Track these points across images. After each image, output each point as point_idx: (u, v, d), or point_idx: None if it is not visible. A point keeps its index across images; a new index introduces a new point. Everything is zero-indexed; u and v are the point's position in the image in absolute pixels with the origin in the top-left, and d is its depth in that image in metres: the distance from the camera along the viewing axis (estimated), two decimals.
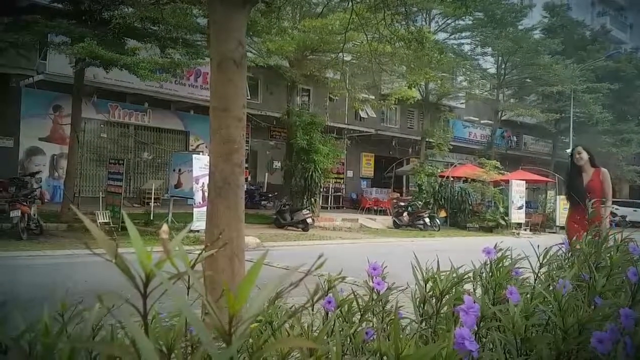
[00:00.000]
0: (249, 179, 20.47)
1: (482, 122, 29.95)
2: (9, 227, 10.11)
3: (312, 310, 1.33)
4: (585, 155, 5.57)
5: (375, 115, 24.46)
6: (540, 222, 21.76)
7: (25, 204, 10.25)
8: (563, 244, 1.90)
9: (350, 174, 25.38)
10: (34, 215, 10.50)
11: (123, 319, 0.62)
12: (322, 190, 19.16)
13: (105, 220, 11.80)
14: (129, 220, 0.54)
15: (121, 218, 11.81)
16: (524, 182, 21.46)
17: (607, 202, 5.35)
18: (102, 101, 17.00)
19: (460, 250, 4.31)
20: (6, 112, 15.11)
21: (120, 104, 17.71)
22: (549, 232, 20.48)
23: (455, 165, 23.76)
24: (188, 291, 0.98)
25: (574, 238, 5.54)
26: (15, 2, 13.49)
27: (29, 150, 16.14)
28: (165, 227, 0.51)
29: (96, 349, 0.71)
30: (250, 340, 1.05)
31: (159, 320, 0.91)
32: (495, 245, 1.62)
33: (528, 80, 27.35)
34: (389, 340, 0.93)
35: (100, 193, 13.93)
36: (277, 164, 22.41)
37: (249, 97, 17.80)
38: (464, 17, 20.54)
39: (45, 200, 14.68)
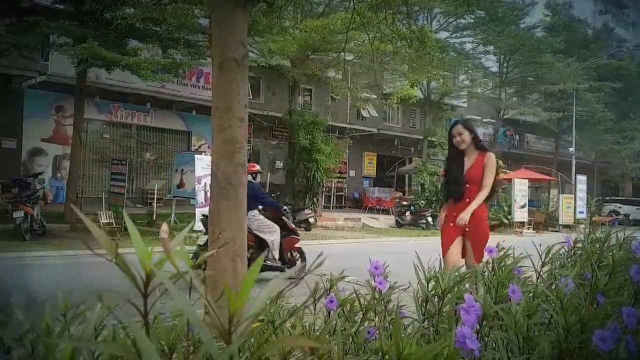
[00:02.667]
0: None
1: (484, 120, 29.88)
2: (12, 227, 10.13)
3: (315, 309, 1.33)
4: (467, 136, 4.28)
5: (377, 115, 24.44)
6: (543, 221, 21.71)
7: (28, 204, 10.28)
8: (566, 242, 1.90)
9: (352, 173, 25.37)
10: (37, 215, 10.53)
11: (124, 318, 0.62)
12: (324, 189, 19.17)
13: (108, 221, 11.83)
14: (129, 220, 0.54)
15: (124, 218, 11.82)
16: (527, 180, 21.43)
17: (483, 191, 4.14)
18: (104, 102, 17.02)
19: None
20: (9, 113, 15.15)
21: (123, 105, 17.74)
22: (552, 231, 20.44)
23: None
24: (190, 291, 0.98)
25: (449, 247, 4.18)
26: (17, 3, 13.52)
27: (31, 151, 16.17)
28: (165, 226, 0.51)
29: (98, 348, 0.72)
30: (252, 339, 1.05)
31: (160, 320, 0.91)
32: (498, 244, 1.62)
33: (530, 78, 27.30)
34: (390, 339, 0.93)
35: (103, 193, 13.96)
36: (279, 164, 22.42)
37: (251, 97, 17.83)
38: (465, 16, 20.53)
39: (49, 201, 14.72)
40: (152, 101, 17.88)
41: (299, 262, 7.20)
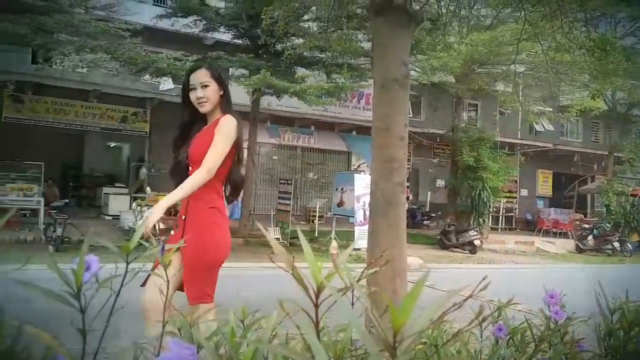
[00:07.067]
0: (411, 197, 20.33)
1: None
2: None
3: (481, 336, 1.28)
4: (214, 92, 2.58)
5: (553, 129, 22.57)
6: None
7: None
8: None
9: (524, 192, 23.73)
10: None
11: (289, 330, 0.67)
12: (491, 210, 18.22)
13: (276, 236, 12.70)
14: (303, 237, 0.58)
15: (289, 234, 12.61)
16: None
17: (197, 174, 2.44)
18: (274, 126, 18.37)
19: None
20: None
21: (290, 128, 18.99)
22: None
23: None
24: (352, 305, 1.02)
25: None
26: (202, 41, 15.43)
27: None
28: (334, 243, 0.54)
29: (277, 352, 0.78)
30: None
31: (326, 332, 0.95)
32: None
33: None
34: None
35: (271, 211, 15.02)
36: (440, 183, 21.92)
37: (411, 115, 17.80)
38: None
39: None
40: (315, 124, 18.86)
41: None
